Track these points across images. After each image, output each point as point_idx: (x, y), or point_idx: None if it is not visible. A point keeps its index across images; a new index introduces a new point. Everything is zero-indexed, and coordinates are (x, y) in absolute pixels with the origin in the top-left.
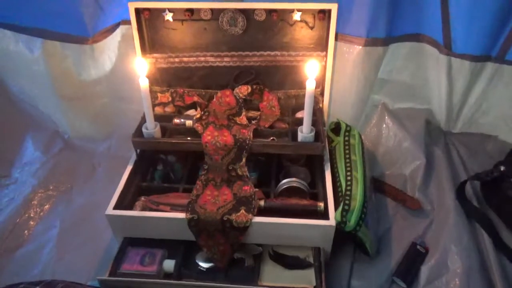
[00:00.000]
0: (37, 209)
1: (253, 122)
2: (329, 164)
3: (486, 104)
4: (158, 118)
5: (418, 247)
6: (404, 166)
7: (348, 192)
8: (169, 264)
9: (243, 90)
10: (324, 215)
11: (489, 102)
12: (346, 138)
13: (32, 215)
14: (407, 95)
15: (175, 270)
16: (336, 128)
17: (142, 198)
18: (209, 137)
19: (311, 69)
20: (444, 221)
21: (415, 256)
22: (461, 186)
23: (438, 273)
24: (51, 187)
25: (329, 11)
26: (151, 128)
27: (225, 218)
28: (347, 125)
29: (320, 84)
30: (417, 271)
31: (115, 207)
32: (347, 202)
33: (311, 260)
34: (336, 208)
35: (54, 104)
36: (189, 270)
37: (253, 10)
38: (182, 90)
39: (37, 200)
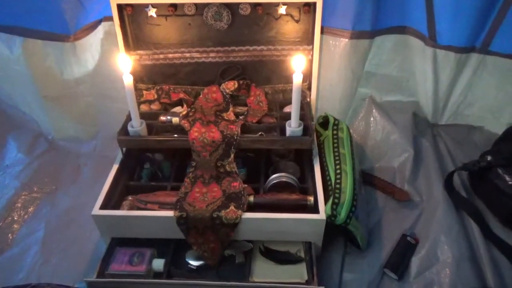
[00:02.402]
0: (21, 211)
1: (241, 117)
2: (318, 158)
3: (471, 95)
4: (143, 115)
5: (408, 238)
6: (392, 158)
7: (337, 186)
8: (158, 263)
9: (230, 86)
10: (314, 209)
11: (474, 93)
12: (335, 132)
13: (16, 218)
14: (394, 88)
15: (164, 269)
16: (324, 122)
17: (130, 197)
18: (196, 134)
19: (297, 63)
20: (433, 212)
21: (405, 248)
22: (449, 177)
23: (428, 264)
24: (35, 189)
25: (314, 4)
26: (137, 126)
27: (214, 215)
28: (335, 119)
29: (307, 78)
30: (408, 262)
31: (102, 207)
32: (337, 195)
33: (302, 254)
34: (326, 202)
35: (36, 105)
36: (179, 268)
37: (238, 4)
38: (167, 87)
39: (21, 203)
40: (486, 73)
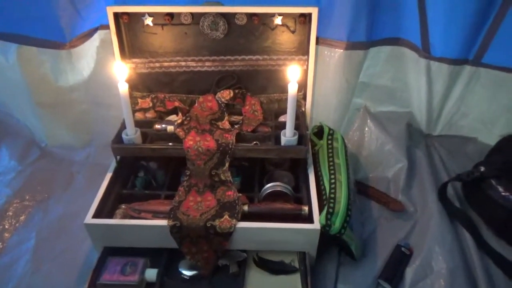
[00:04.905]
0: (12, 220)
1: (236, 126)
2: (312, 168)
3: (464, 107)
4: (138, 124)
5: (403, 249)
6: (387, 168)
7: (332, 195)
8: (151, 273)
9: (225, 95)
10: (309, 219)
11: (467, 105)
12: (329, 142)
13: (6, 226)
14: (388, 99)
15: (157, 279)
16: (319, 131)
17: (123, 206)
18: (191, 142)
19: (293, 73)
20: (427, 223)
21: (399, 258)
22: (443, 188)
23: (423, 275)
24: (27, 197)
25: (310, 15)
26: (131, 134)
27: (208, 224)
28: (330, 129)
29: (302, 88)
30: (402, 273)
31: (95, 216)
32: (331, 205)
33: (296, 264)
34: (320, 212)
35: (30, 112)
36: (172, 279)
37: (234, 14)
38: (163, 95)
39: (12, 211)
40: (479, 85)
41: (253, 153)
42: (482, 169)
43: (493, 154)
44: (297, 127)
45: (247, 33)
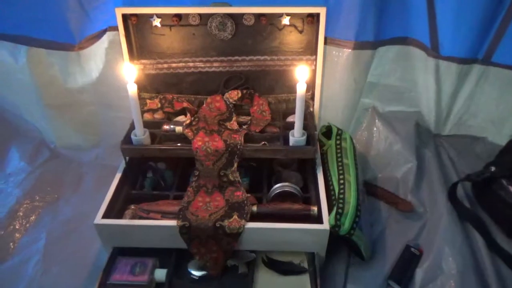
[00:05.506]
0: (23, 220)
1: (244, 127)
2: (321, 168)
3: (474, 106)
4: (147, 124)
5: (412, 249)
6: (395, 169)
7: (341, 196)
8: (160, 274)
9: (233, 95)
10: (318, 219)
11: (476, 104)
12: (338, 142)
13: (17, 227)
14: (396, 98)
15: (167, 280)
16: (327, 132)
17: (132, 207)
18: (199, 143)
19: (301, 73)
20: (437, 223)
21: (409, 259)
22: (452, 188)
23: (433, 276)
24: (37, 198)
25: (318, 15)
26: (140, 135)
27: (217, 225)
28: (338, 129)
29: (310, 88)
30: (412, 274)
31: (104, 216)
32: (340, 205)
33: (305, 265)
34: (329, 212)
35: (39, 113)
36: (181, 279)
37: (242, 14)
38: (171, 96)
39: (22, 212)
40: (488, 84)
41: (262, 154)
42: (493, 169)
43: (503, 154)
44: (305, 127)
45: (255, 34)
